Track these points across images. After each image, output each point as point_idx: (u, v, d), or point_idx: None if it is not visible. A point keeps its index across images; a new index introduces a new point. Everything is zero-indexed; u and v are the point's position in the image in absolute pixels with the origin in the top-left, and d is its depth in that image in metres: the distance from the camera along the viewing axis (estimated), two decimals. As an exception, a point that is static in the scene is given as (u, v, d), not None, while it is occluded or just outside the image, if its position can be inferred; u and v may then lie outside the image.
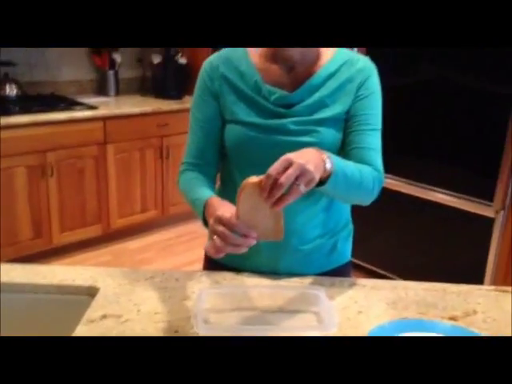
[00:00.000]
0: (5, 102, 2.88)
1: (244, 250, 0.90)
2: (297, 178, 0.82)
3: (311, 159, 0.86)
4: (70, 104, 3.03)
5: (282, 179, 0.81)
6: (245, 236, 0.88)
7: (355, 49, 2.55)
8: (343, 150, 1.10)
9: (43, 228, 2.87)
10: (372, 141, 1.09)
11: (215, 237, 0.90)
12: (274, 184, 0.82)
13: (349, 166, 1.00)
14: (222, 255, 0.91)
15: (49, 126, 2.78)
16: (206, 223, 1.04)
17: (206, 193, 1.07)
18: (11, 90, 3.01)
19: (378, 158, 1.09)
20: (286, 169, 0.82)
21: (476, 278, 2.35)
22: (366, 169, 1.05)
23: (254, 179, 0.85)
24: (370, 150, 1.08)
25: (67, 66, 3.37)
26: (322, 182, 0.92)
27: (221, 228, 0.89)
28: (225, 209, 0.93)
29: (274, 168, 0.83)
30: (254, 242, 0.89)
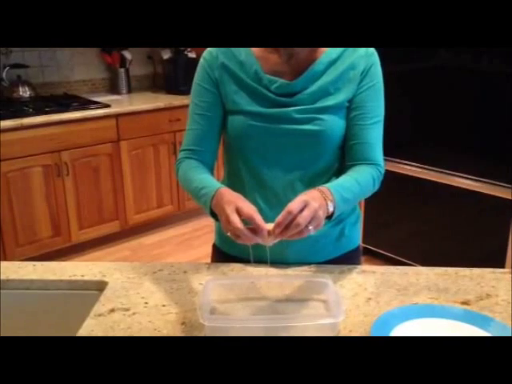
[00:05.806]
0: (18, 104, 2.91)
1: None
2: (309, 221, 0.91)
3: (320, 203, 0.95)
4: (83, 103, 3.05)
5: (301, 220, 0.90)
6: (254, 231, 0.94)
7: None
8: (346, 143, 1.11)
9: (62, 226, 2.91)
10: (374, 134, 1.11)
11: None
12: (291, 222, 0.91)
13: (348, 188, 1.04)
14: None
15: (62, 125, 2.81)
16: (212, 213, 1.04)
17: (214, 182, 1.07)
18: (24, 92, 3.05)
19: (378, 151, 1.12)
20: (302, 209, 0.91)
21: (497, 262, 2.30)
22: (364, 174, 1.08)
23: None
24: (372, 144, 1.11)
25: (78, 65, 3.40)
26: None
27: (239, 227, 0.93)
28: (243, 204, 0.96)
29: (294, 207, 0.91)
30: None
